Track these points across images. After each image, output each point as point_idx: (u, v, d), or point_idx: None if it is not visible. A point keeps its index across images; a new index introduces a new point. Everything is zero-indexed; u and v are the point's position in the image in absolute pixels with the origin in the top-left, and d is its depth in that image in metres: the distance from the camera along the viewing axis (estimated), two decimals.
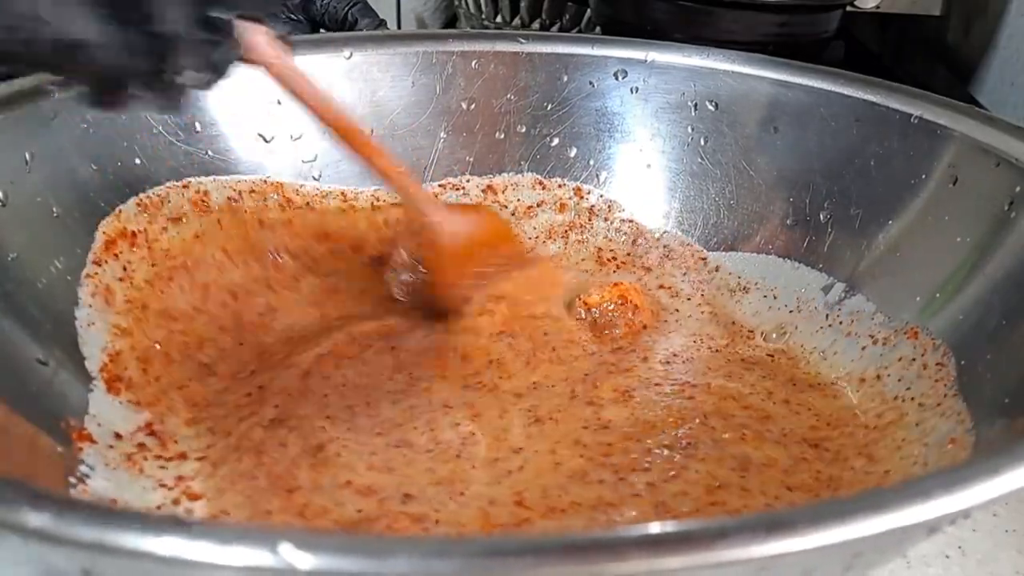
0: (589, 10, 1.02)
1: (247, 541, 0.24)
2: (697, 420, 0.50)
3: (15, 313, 0.46)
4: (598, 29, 0.91)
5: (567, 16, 1.07)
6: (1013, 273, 0.49)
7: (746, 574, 0.28)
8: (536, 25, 1.08)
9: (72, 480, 0.42)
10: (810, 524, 0.26)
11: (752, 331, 0.60)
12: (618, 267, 0.65)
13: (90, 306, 0.51)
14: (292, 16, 0.73)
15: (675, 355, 0.57)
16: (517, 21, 1.09)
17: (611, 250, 0.66)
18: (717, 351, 0.57)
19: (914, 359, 0.52)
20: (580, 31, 1.05)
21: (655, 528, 0.25)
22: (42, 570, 0.32)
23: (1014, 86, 0.78)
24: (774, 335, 0.59)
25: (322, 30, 0.73)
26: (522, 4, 1.08)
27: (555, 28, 1.08)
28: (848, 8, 0.85)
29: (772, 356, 0.57)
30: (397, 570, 0.24)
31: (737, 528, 0.26)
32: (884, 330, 0.55)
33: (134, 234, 0.55)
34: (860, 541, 0.27)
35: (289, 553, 0.23)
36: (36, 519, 0.25)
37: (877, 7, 0.85)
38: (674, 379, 0.54)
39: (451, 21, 1.23)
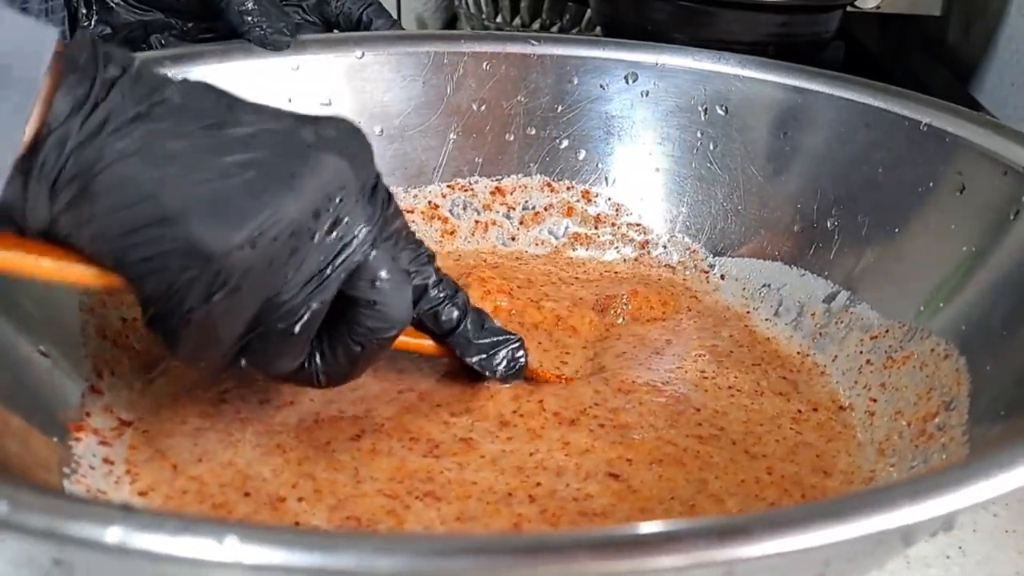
0: (589, 10, 1.02)
1: (193, 532, 0.24)
2: (696, 425, 0.50)
3: (16, 306, 0.47)
4: (598, 29, 0.91)
5: (567, 16, 1.07)
6: (1016, 282, 0.48)
7: None
8: (536, 25, 1.08)
9: (67, 471, 0.43)
10: (766, 530, 0.26)
11: (756, 337, 0.59)
12: (626, 271, 0.65)
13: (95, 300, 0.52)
14: (307, 17, 0.73)
15: (679, 358, 0.56)
16: (517, 21, 1.09)
17: (620, 257, 0.67)
18: (720, 356, 0.57)
19: (917, 367, 0.51)
20: (580, 31, 1.05)
21: (606, 532, 0.25)
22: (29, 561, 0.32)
23: (1014, 86, 0.76)
24: (778, 342, 0.59)
25: (336, 31, 0.73)
26: (522, 4, 1.08)
27: (555, 28, 1.08)
28: (848, 8, 0.84)
29: (775, 363, 0.57)
30: (342, 565, 0.24)
31: (691, 533, 0.25)
32: (888, 338, 0.54)
33: None
34: (819, 549, 0.26)
35: (234, 546, 0.23)
36: None
37: (877, 7, 0.84)
38: (675, 384, 0.54)
39: (451, 21, 1.23)
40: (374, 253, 0.41)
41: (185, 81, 0.39)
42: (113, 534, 0.24)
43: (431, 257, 0.47)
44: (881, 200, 0.58)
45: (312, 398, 0.50)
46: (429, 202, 0.67)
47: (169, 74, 0.39)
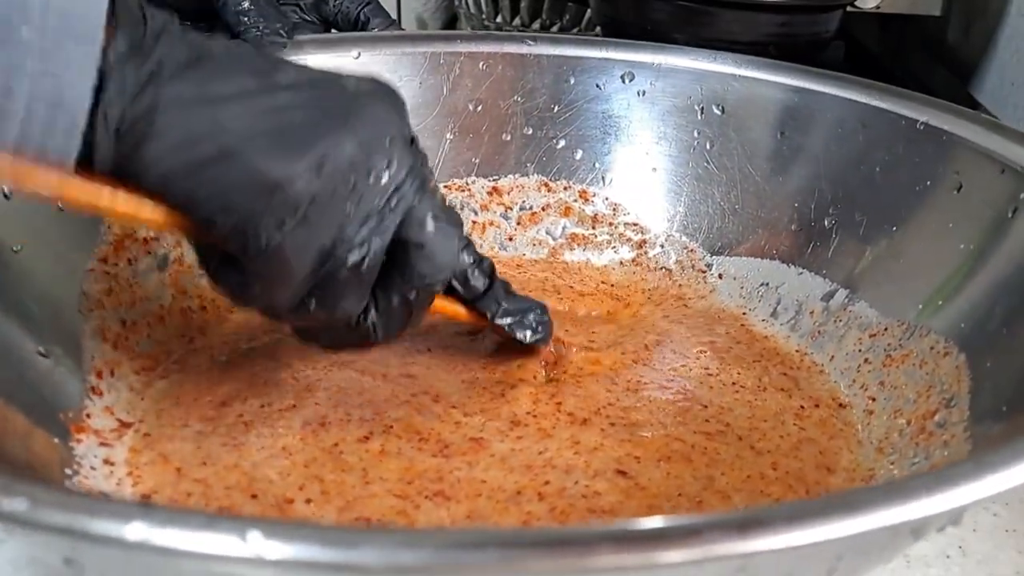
0: (589, 10, 1.02)
1: (216, 528, 0.24)
2: (694, 424, 0.50)
3: (17, 305, 0.47)
4: (598, 29, 0.91)
5: (567, 16, 1.08)
6: (1015, 280, 0.49)
7: (723, 572, 0.28)
8: (536, 25, 1.09)
9: (68, 472, 0.43)
10: (785, 522, 0.26)
11: (754, 336, 0.59)
12: (623, 272, 0.66)
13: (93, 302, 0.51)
14: (305, 16, 0.73)
15: (676, 357, 0.56)
16: (517, 21, 1.09)
17: (616, 258, 0.67)
18: (720, 352, 0.57)
19: (916, 365, 0.51)
20: (580, 31, 1.06)
21: (626, 524, 0.25)
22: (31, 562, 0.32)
23: (1014, 86, 0.77)
24: (776, 340, 0.59)
25: (333, 30, 0.73)
26: (522, 4, 1.09)
27: (555, 28, 1.08)
28: (848, 8, 0.85)
29: (775, 360, 0.57)
30: (365, 561, 0.24)
31: (710, 526, 0.26)
32: (887, 337, 0.54)
33: (146, 240, 0.56)
34: (836, 542, 0.26)
35: (257, 541, 0.23)
36: (9, 504, 0.25)
37: (877, 7, 0.85)
38: (674, 383, 0.54)
39: (451, 21, 1.24)
40: (423, 197, 0.43)
41: (225, 40, 0.40)
42: (134, 530, 0.24)
43: (459, 222, 0.48)
44: (879, 199, 0.58)
45: (317, 401, 0.50)
46: None
47: None
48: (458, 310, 0.51)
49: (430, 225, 0.43)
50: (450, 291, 0.50)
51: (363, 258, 0.41)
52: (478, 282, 0.50)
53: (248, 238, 0.38)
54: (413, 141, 0.43)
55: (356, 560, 0.24)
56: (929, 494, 0.27)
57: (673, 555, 0.24)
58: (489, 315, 0.51)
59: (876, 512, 0.26)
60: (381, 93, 0.42)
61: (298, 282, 0.40)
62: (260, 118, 0.37)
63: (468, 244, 0.50)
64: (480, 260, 0.50)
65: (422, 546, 0.24)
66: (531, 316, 0.52)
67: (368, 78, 0.42)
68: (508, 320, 0.52)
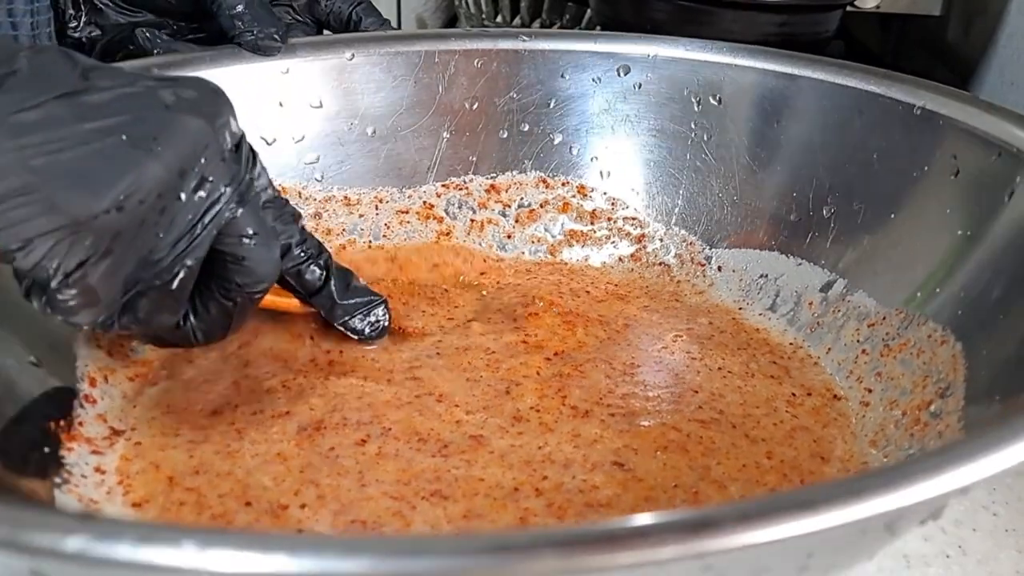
0: (589, 10, 1.02)
1: (159, 541, 0.24)
2: (688, 411, 0.50)
3: (6, 312, 0.47)
4: (598, 29, 0.91)
5: (567, 16, 1.07)
6: (1012, 265, 0.48)
7: (687, 573, 0.27)
8: (536, 25, 1.09)
9: (58, 480, 0.43)
10: (737, 522, 0.25)
11: (753, 327, 0.59)
12: (622, 265, 0.65)
13: None
14: (298, 17, 0.73)
15: (651, 339, 0.56)
16: (517, 21, 1.09)
17: (616, 252, 0.66)
18: (716, 346, 0.56)
19: (914, 354, 0.50)
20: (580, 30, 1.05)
21: (573, 529, 0.25)
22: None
23: (1014, 85, 0.76)
24: (775, 332, 0.58)
25: (326, 31, 0.73)
26: (522, 4, 1.09)
27: (555, 28, 1.08)
28: (848, 8, 0.84)
29: (762, 350, 0.56)
30: (306, 570, 0.23)
31: (660, 528, 0.25)
32: (885, 326, 0.54)
33: None
34: (794, 540, 0.26)
35: (196, 552, 0.23)
36: None
37: (877, 7, 0.84)
38: (662, 364, 0.54)
39: (451, 21, 1.23)
40: (241, 210, 0.42)
41: (35, 46, 0.39)
42: (74, 543, 0.24)
43: (296, 216, 0.49)
44: (877, 186, 0.57)
45: (312, 407, 0.50)
46: (424, 202, 0.67)
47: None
48: (292, 304, 0.52)
49: (248, 239, 0.43)
50: (285, 283, 0.50)
51: (173, 278, 0.41)
52: (313, 276, 0.50)
53: (48, 273, 0.38)
54: (240, 144, 0.43)
55: (281, 569, 0.23)
56: (887, 490, 0.26)
57: (621, 558, 0.24)
58: (323, 312, 0.52)
59: (832, 510, 0.26)
60: (198, 103, 0.41)
61: (105, 307, 0.40)
62: (62, 152, 0.36)
63: (305, 239, 0.49)
64: (317, 254, 0.50)
65: (363, 554, 0.24)
66: (365, 313, 0.53)
67: (191, 83, 0.42)
68: (344, 318, 0.53)
